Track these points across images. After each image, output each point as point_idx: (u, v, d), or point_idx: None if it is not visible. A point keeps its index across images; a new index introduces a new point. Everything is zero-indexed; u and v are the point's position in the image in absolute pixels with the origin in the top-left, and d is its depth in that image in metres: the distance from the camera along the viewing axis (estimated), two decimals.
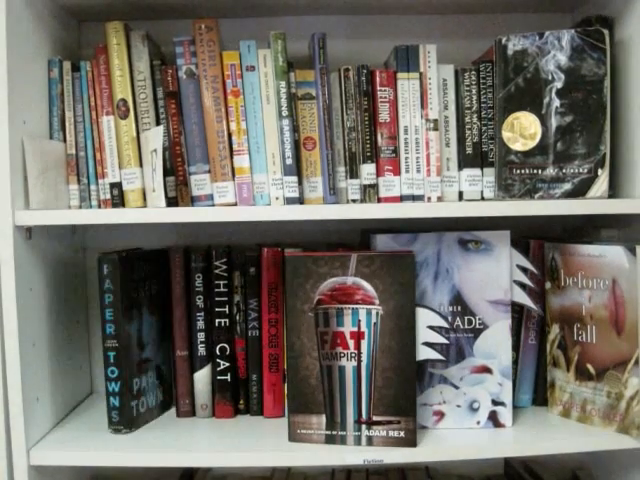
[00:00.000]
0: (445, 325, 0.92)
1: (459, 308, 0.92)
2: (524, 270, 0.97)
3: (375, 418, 0.88)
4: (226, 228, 1.12)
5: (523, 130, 0.91)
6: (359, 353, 0.88)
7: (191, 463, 0.89)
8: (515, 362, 0.99)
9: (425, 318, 0.92)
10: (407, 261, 0.87)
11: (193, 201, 0.92)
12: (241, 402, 1.02)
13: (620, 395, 0.89)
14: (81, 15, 1.07)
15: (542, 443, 0.89)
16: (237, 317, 1.00)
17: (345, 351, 0.89)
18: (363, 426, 0.89)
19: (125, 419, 0.94)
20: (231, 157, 0.91)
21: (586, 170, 0.90)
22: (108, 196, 0.94)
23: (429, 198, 0.94)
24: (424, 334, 0.92)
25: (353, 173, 0.93)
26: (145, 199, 0.93)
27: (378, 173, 0.93)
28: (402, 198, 0.94)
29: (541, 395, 1.00)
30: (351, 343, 0.88)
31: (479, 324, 0.92)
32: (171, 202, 0.92)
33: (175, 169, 0.92)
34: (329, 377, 0.89)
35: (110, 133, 0.93)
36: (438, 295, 0.92)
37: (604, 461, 1.07)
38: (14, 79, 0.85)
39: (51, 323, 0.96)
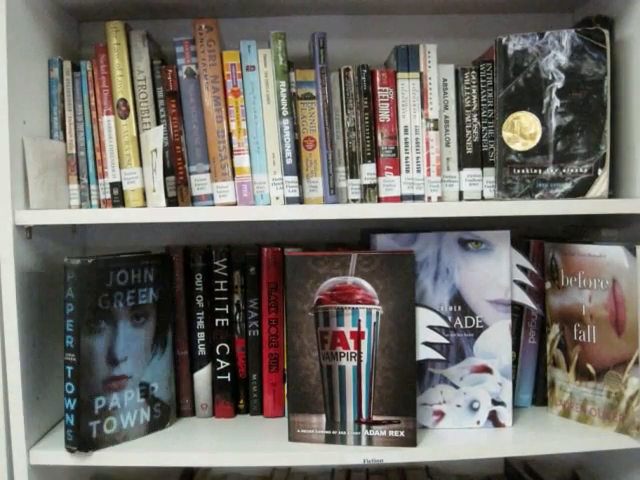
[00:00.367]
0: (445, 325, 0.92)
1: (459, 308, 0.92)
2: (524, 270, 0.97)
3: (375, 418, 0.88)
4: (226, 228, 1.12)
5: (523, 130, 0.91)
6: (359, 353, 0.88)
7: (191, 463, 0.89)
8: (515, 362, 0.99)
9: (425, 318, 0.92)
10: (407, 261, 0.87)
11: (193, 201, 0.92)
12: (241, 402, 1.02)
13: (620, 395, 0.89)
14: (81, 15, 1.07)
15: (542, 443, 0.89)
16: (237, 317, 1.00)
17: (345, 351, 0.89)
18: (363, 426, 0.89)
19: (80, 440, 0.85)
20: (231, 157, 0.91)
21: (586, 170, 0.90)
22: (108, 196, 0.94)
23: (429, 198, 0.94)
24: (424, 334, 0.92)
25: (353, 173, 0.93)
26: (145, 199, 0.93)
27: (378, 173, 0.93)
28: (402, 198, 0.94)
29: (541, 395, 1.00)
30: (351, 343, 0.88)
31: (479, 324, 0.92)
32: (171, 202, 0.92)
33: (175, 169, 0.92)
34: (329, 377, 0.89)
35: (110, 133, 0.93)
36: (438, 295, 0.92)
37: (604, 461, 1.07)
38: (14, 79, 0.85)
39: (51, 323, 0.96)
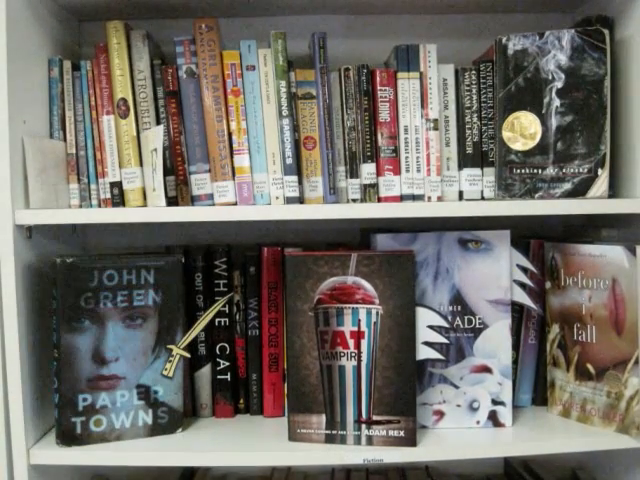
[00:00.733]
0: (445, 325, 0.92)
1: (459, 308, 0.92)
2: (524, 270, 0.97)
3: (375, 418, 0.88)
4: (226, 228, 1.12)
5: (523, 130, 0.91)
6: (359, 352, 0.88)
7: (191, 463, 0.89)
8: (515, 362, 0.99)
9: (425, 318, 0.92)
10: (407, 261, 0.87)
11: (193, 200, 0.92)
12: (241, 401, 1.02)
13: (620, 395, 0.89)
14: (81, 14, 1.07)
15: (542, 443, 0.89)
16: (237, 316, 1.00)
17: (345, 350, 0.89)
18: (363, 425, 0.89)
19: (64, 435, 0.88)
20: (231, 156, 0.91)
21: (586, 170, 0.90)
22: (108, 195, 0.94)
23: (429, 198, 0.94)
24: (424, 334, 0.92)
25: (353, 173, 0.93)
26: (145, 198, 0.93)
27: (378, 173, 0.93)
28: (402, 198, 0.94)
29: (541, 395, 1.00)
30: (351, 342, 0.88)
31: (479, 324, 0.92)
32: (171, 201, 0.92)
33: (175, 168, 0.92)
34: (329, 377, 0.89)
35: (110, 132, 0.93)
36: (438, 295, 0.92)
37: (604, 461, 1.07)
38: (14, 79, 0.85)
39: (51, 322, 0.95)
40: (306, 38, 0.96)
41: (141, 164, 0.93)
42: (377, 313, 0.88)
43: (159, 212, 0.86)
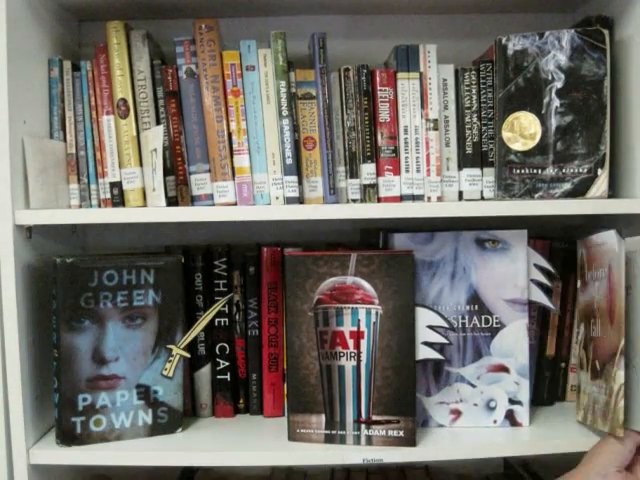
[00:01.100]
0: (445, 325, 0.92)
1: (476, 307, 0.92)
2: (541, 269, 0.96)
3: (374, 417, 0.88)
4: (226, 228, 1.12)
5: (523, 130, 0.90)
6: (358, 353, 0.88)
7: (191, 463, 0.89)
8: None
9: (425, 317, 0.92)
10: (407, 261, 0.88)
11: (193, 201, 0.92)
12: (241, 401, 1.02)
13: (612, 391, 0.83)
14: (81, 14, 1.07)
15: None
16: (237, 317, 1.00)
17: (345, 351, 0.89)
18: (362, 425, 0.89)
19: (64, 434, 0.88)
20: (231, 157, 0.91)
21: (586, 170, 0.90)
22: (108, 195, 0.94)
23: (429, 198, 0.94)
24: (424, 334, 0.92)
25: (353, 173, 0.94)
26: (145, 198, 0.93)
27: (378, 173, 0.93)
28: (402, 198, 0.94)
29: (541, 395, 1.00)
30: (350, 343, 0.88)
31: (496, 323, 0.92)
32: (171, 201, 0.92)
33: (175, 168, 0.92)
34: (328, 376, 0.89)
35: (110, 132, 0.93)
36: (455, 294, 0.92)
37: None
38: (14, 79, 0.85)
39: (51, 322, 0.96)
40: (306, 38, 0.96)
41: (141, 164, 0.93)
42: (377, 313, 0.88)
43: (159, 212, 0.86)
